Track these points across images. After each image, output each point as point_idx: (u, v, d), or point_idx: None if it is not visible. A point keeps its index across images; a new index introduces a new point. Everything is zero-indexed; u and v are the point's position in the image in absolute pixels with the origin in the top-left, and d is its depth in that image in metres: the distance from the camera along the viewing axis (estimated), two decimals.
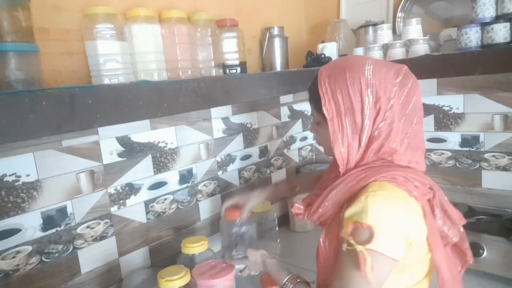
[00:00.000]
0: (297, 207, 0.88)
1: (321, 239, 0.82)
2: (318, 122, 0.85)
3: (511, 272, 1.14)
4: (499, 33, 1.12)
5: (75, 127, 0.62)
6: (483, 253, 1.18)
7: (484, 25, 1.15)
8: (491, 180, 1.45)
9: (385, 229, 0.68)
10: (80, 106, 0.62)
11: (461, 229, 0.83)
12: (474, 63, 1.07)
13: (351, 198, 0.76)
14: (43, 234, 0.97)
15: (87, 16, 0.95)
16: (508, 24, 1.12)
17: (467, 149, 1.49)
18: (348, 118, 0.77)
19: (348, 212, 0.72)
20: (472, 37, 1.15)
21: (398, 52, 1.31)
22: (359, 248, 0.67)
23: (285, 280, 0.88)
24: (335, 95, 0.77)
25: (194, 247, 1.12)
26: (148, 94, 0.76)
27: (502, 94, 1.38)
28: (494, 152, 1.44)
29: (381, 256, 0.67)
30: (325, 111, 0.78)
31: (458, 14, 1.41)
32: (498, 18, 1.13)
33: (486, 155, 1.46)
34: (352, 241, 0.68)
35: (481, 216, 1.36)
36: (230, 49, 1.28)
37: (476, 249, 1.20)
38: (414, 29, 1.31)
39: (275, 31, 1.55)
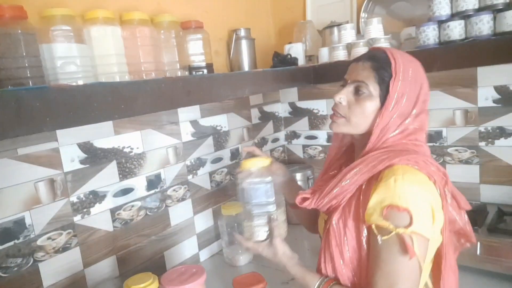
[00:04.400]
0: (303, 195, 0.85)
1: (333, 221, 0.79)
2: (367, 94, 0.80)
3: (481, 263, 1.17)
4: (455, 30, 1.16)
5: (22, 132, 0.58)
6: None
7: (440, 23, 1.19)
8: (455, 173, 1.50)
9: (420, 211, 0.69)
10: (27, 109, 0.59)
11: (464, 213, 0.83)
12: (432, 60, 1.11)
13: (371, 180, 0.75)
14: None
15: (43, 19, 0.91)
16: (462, 21, 1.16)
17: (431, 144, 1.53)
18: (403, 102, 0.78)
19: (377, 197, 0.72)
20: (429, 34, 1.19)
21: (361, 51, 1.33)
22: (401, 231, 0.68)
23: (317, 284, 0.80)
24: (406, 76, 0.78)
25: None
26: (103, 95, 0.73)
27: (462, 90, 1.44)
28: (456, 146, 1.49)
29: (420, 237, 0.69)
30: (391, 87, 0.77)
31: (418, 14, 1.46)
32: (453, 16, 1.17)
33: (449, 150, 1.51)
34: (391, 226, 0.69)
35: None
36: (195, 51, 1.26)
37: None
38: (376, 28, 1.34)
39: (242, 32, 1.55)
